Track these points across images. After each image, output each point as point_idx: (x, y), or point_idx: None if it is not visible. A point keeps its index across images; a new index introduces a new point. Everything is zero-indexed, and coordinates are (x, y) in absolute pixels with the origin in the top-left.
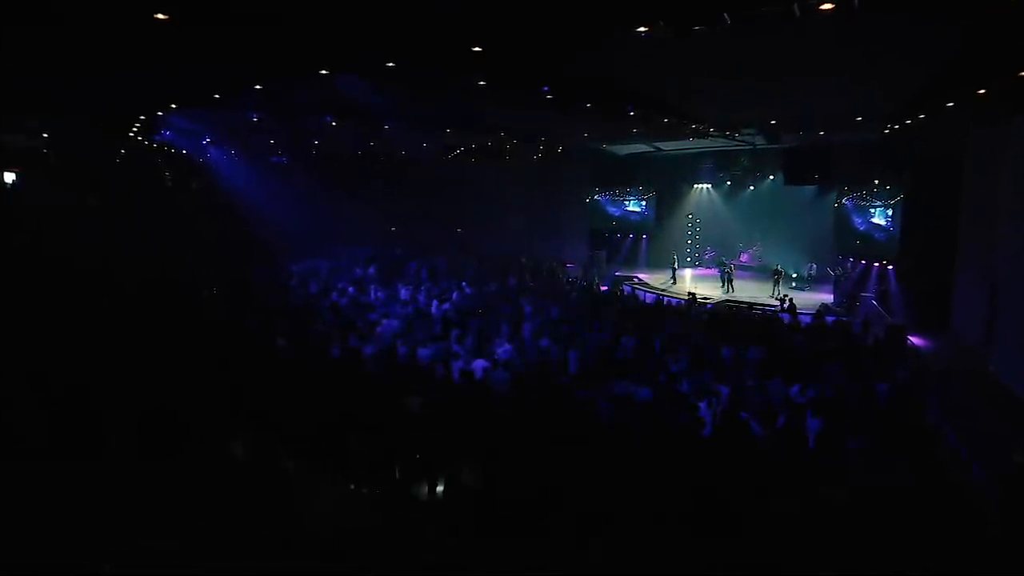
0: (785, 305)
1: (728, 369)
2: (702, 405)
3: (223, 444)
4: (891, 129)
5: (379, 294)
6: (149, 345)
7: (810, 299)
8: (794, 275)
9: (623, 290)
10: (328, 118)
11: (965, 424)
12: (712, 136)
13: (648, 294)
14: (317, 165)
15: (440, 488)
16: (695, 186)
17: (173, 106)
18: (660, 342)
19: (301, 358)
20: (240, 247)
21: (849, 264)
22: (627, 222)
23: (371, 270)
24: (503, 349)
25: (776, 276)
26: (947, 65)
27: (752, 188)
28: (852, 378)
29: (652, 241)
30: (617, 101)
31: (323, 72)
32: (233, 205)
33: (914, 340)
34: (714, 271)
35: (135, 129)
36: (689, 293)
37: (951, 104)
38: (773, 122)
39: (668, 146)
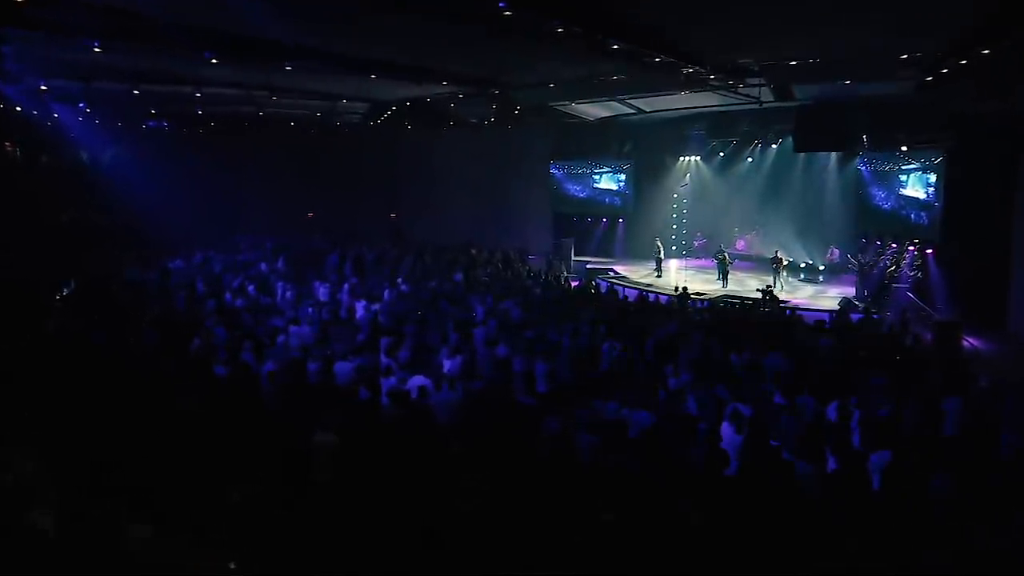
0: (766, 297)
1: (743, 382)
2: (723, 431)
3: (39, 505)
4: (935, 76)
5: (288, 294)
6: None
7: (827, 293)
8: (802, 264)
9: (599, 285)
10: (207, 54)
11: None
12: (711, 85)
13: (629, 290)
14: (208, 132)
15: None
16: (681, 158)
17: None
18: (652, 348)
19: (169, 380)
20: (106, 239)
21: (876, 248)
22: (597, 204)
23: (279, 264)
24: (449, 362)
25: (776, 265)
26: None
27: (750, 160)
28: (904, 392)
29: (630, 226)
30: (597, 28)
31: None
32: (96, 185)
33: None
34: (706, 262)
35: None
36: (678, 288)
37: None
38: (794, 63)
39: (651, 105)
